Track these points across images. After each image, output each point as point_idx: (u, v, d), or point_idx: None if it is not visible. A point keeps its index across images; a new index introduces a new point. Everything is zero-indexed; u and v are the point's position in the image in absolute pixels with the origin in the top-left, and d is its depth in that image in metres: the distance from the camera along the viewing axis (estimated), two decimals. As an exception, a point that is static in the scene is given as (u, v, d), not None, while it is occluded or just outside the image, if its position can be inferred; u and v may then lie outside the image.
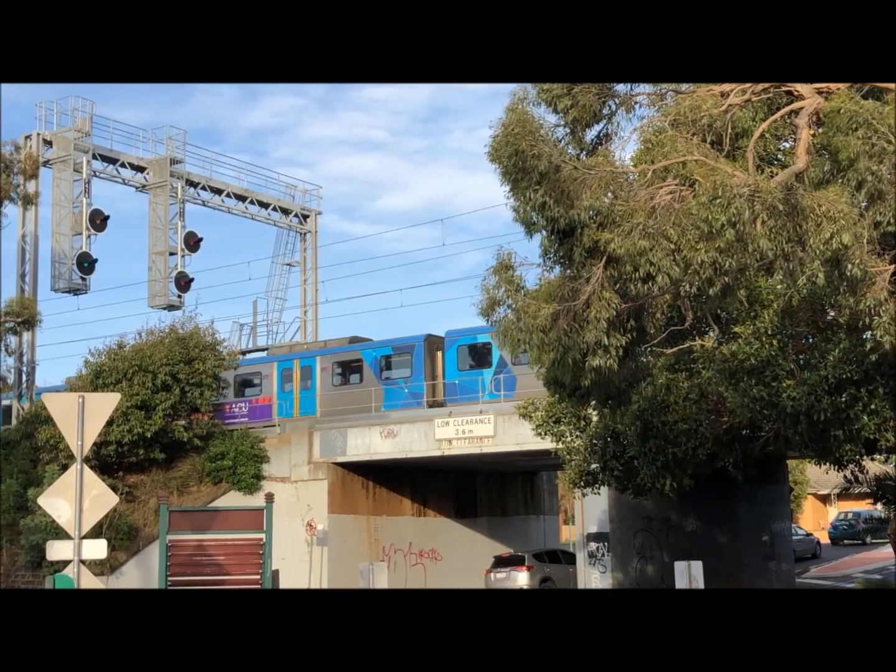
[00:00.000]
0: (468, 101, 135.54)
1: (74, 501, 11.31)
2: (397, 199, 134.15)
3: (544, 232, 12.07)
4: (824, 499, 56.46)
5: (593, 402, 17.29)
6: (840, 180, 10.96)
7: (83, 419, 11.42)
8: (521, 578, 32.01)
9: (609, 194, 11.47)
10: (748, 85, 11.80)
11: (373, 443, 32.69)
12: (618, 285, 11.79)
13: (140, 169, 41.27)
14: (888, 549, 29.43)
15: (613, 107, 12.62)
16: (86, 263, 38.60)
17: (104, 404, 11.94)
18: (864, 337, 16.22)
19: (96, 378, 33.85)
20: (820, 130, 11.68)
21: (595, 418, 22.22)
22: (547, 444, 24.59)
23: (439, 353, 34.10)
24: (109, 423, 26.62)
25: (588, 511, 29.34)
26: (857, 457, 20.76)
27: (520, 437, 28.86)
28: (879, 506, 27.63)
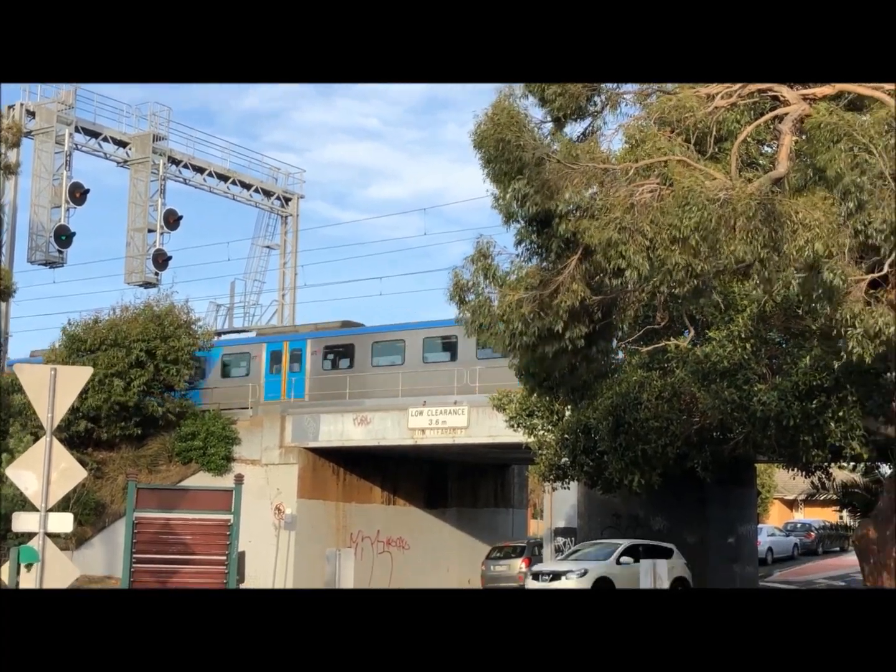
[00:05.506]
0: (464, 94, 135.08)
1: (42, 474, 11.26)
2: (389, 189, 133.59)
3: (522, 221, 12.10)
4: (791, 504, 56.85)
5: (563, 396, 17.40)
6: (823, 190, 10.98)
7: (54, 392, 11.37)
8: None
9: (591, 189, 11.50)
10: (735, 87, 11.83)
11: (345, 429, 32.67)
12: (595, 279, 11.83)
13: (122, 144, 40.96)
14: (852, 557, 29.66)
15: (599, 104, 12.64)
16: (63, 237, 38.33)
17: (76, 378, 11.88)
18: (838, 345, 16.32)
19: (71, 345, 33.74)
20: (803, 138, 11.71)
21: (568, 413, 22.30)
22: (519, 436, 24.67)
23: None
24: (83, 396, 26.51)
25: (557, 506, 29.45)
26: (825, 463, 20.94)
27: (493, 429, 28.91)
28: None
